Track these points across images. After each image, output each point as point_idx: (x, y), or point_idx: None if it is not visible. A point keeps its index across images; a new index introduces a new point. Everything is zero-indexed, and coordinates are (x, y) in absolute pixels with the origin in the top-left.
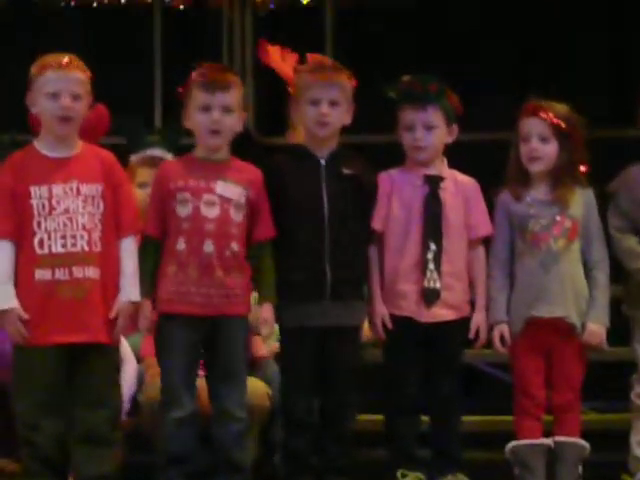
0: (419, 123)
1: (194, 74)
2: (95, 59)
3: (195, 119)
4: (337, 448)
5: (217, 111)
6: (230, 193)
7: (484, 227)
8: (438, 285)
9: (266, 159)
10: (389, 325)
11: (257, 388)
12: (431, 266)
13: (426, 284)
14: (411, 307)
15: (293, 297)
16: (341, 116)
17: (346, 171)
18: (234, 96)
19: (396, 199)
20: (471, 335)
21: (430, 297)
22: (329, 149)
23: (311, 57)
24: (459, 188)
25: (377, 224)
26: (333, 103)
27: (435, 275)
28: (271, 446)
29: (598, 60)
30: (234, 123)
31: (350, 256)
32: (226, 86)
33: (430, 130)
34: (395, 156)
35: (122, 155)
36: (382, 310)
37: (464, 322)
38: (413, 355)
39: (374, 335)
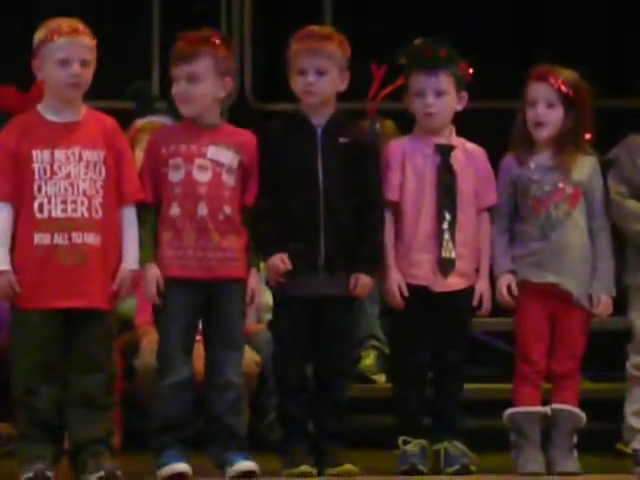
0: (430, 89)
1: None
2: (93, 24)
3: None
4: (331, 415)
5: (183, 82)
6: (222, 157)
7: (491, 197)
8: (453, 255)
9: (261, 126)
10: (405, 293)
11: (245, 354)
12: (446, 236)
13: (443, 254)
14: (427, 276)
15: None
16: (331, 84)
17: (343, 139)
18: (201, 65)
19: (409, 168)
20: (475, 302)
21: (446, 267)
22: (326, 116)
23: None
24: (469, 157)
25: (392, 194)
26: (320, 72)
27: (450, 245)
28: (259, 413)
29: (598, 30)
30: (203, 92)
31: (346, 227)
32: (191, 57)
33: (440, 96)
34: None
35: (126, 119)
36: (398, 278)
37: (472, 290)
38: (424, 323)
39: (390, 303)
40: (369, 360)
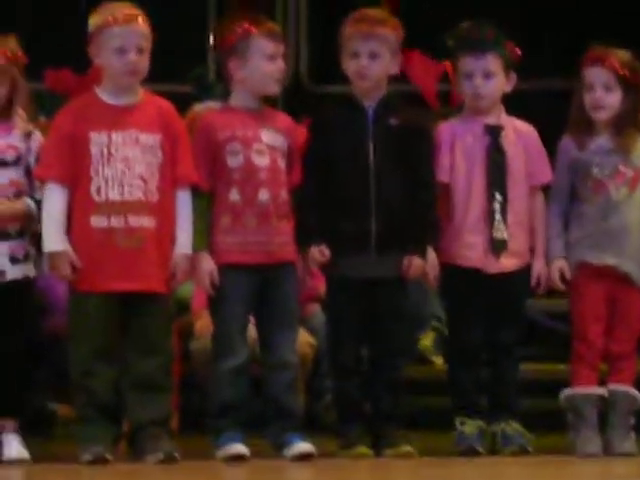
0: (478, 71)
1: (253, 24)
2: (149, 7)
3: (261, 67)
4: (387, 395)
5: (280, 60)
6: (276, 141)
7: (544, 174)
8: (505, 235)
9: (314, 111)
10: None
11: (300, 336)
12: (497, 217)
13: (494, 235)
14: (479, 258)
15: (339, 248)
16: (383, 67)
17: (394, 121)
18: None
19: (459, 150)
20: (532, 283)
21: (498, 247)
22: (377, 98)
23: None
24: (519, 136)
25: (443, 176)
26: (373, 55)
27: (502, 225)
28: (316, 394)
29: None
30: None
31: (398, 208)
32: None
33: (489, 78)
34: None
35: (182, 103)
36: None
37: (527, 270)
38: (478, 305)
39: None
40: (428, 341)
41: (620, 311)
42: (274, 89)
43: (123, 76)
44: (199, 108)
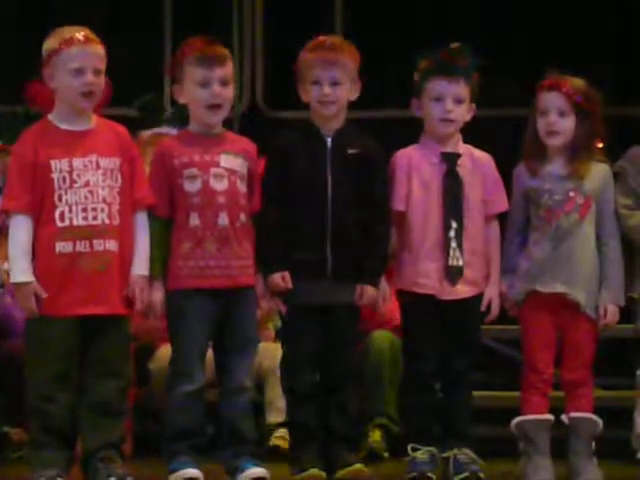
0: (450, 95)
1: (187, 49)
2: (104, 31)
3: (194, 94)
4: (341, 419)
5: (216, 85)
6: (234, 165)
7: (501, 203)
8: (461, 263)
9: (272, 137)
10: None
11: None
12: (453, 244)
13: (450, 262)
14: (434, 285)
15: (296, 275)
16: (345, 94)
17: (351, 150)
18: (230, 69)
19: (415, 178)
20: (483, 308)
21: (454, 275)
22: (336, 126)
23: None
24: (476, 164)
25: (399, 205)
26: (335, 82)
27: (458, 253)
28: None
29: (605, 38)
30: (231, 95)
31: (353, 237)
32: (223, 60)
33: (459, 103)
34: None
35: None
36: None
37: (481, 298)
38: (432, 331)
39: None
40: (376, 436)
41: (570, 339)
42: (209, 117)
43: (80, 98)
44: (147, 135)
